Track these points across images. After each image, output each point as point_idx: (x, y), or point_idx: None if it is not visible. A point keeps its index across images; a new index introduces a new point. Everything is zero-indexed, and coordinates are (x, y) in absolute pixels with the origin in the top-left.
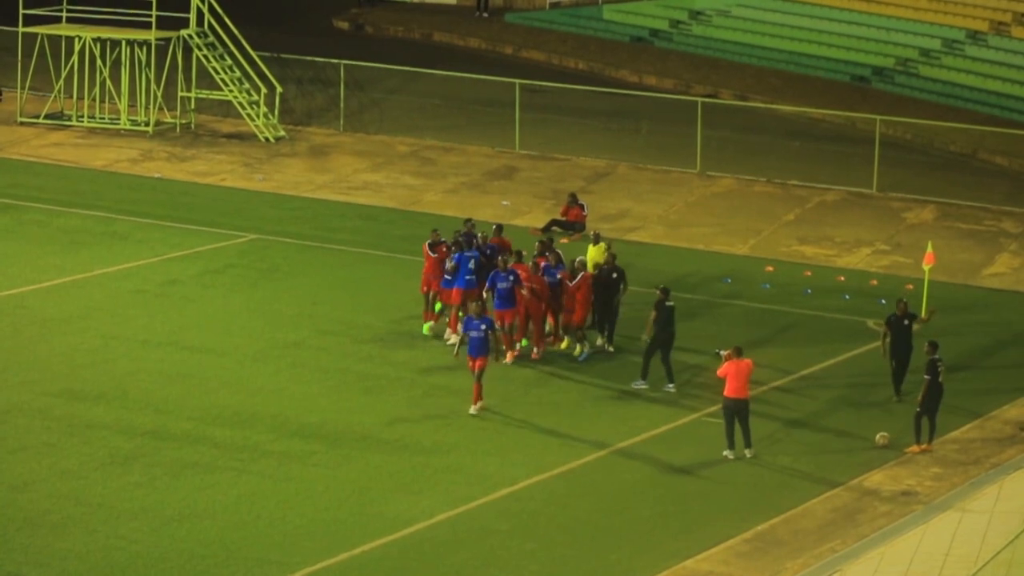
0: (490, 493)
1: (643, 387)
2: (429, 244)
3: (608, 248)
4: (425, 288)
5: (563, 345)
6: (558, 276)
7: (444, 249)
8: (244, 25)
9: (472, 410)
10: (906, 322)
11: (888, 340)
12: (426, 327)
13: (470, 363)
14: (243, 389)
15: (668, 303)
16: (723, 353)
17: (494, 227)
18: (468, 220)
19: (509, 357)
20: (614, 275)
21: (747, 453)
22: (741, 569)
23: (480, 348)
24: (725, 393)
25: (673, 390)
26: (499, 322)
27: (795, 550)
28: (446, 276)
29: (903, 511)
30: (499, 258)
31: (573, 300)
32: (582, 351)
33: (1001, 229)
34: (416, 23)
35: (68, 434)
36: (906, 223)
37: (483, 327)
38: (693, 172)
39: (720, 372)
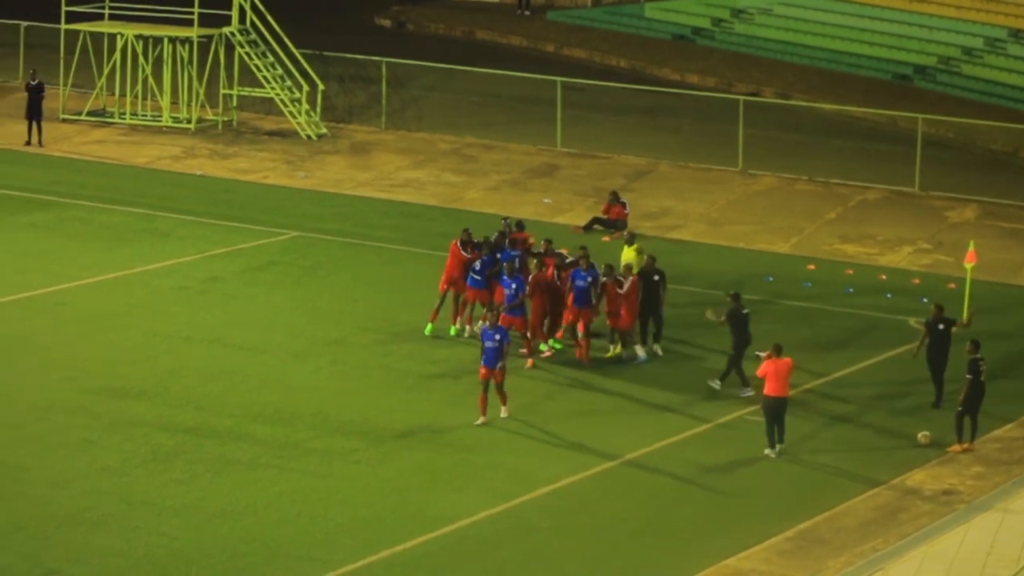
0: (531, 490)
1: (749, 393)
2: (460, 242)
3: (640, 250)
4: (445, 286)
5: (609, 354)
6: (588, 280)
7: (472, 250)
8: (286, 22)
9: (502, 412)
10: (941, 326)
11: (926, 342)
12: (429, 327)
13: (483, 372)
14: (284, 386)
15: (744, 311)
16: (762, 355)
17: (515, 223)
18: (506, 219)
19: (529, 363)
20: (655, 277)
21: (779, 450)
22: (783, 567)
23: (494, 359)
24: (764, 392)
25: (718, 387)
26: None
27: (837, 548)
28: (474, 276)
29: (945, 510)
30: (504, 263)
31: (617, 304)
32: (629, 354)
33: None
34: (458, 21)
35: (109, 431)
36: (948, 222)
37: (497, 337)
38: (735, 170)
39: (759, 372)
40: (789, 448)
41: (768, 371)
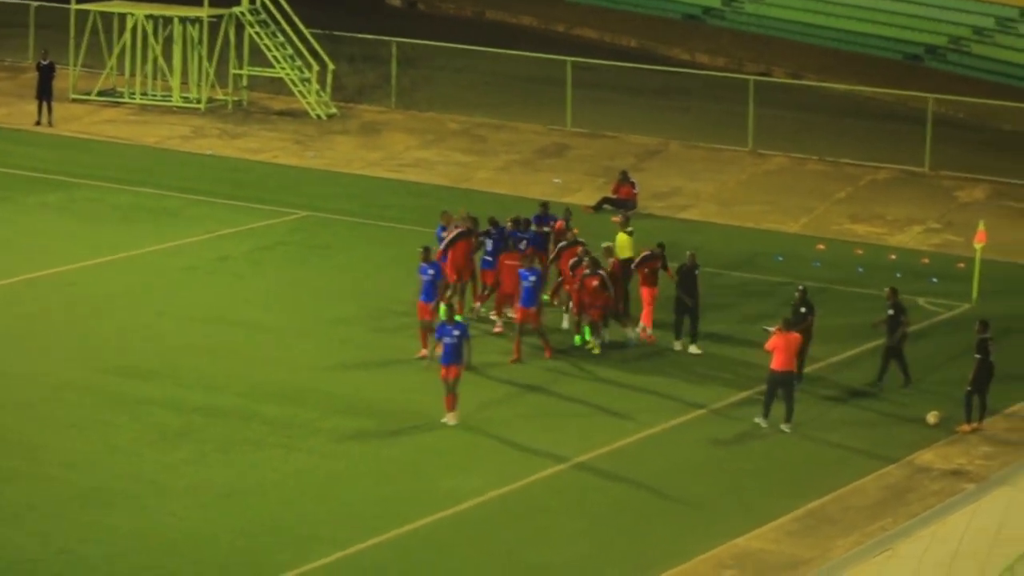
0: (540, 470)
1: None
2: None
3: (631, 233)
4: (455, 277)
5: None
6: (532, 279)
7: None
8: (296, 2)
9: (448, 420)
10: (891, 311)
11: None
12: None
13: (443, 371)
14: (293, 366)
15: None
16: (770, 329)
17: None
18: (544, 203)
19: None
20: (696, 272)
21: (785, 428)
22: (792, 547)
23: (453, 355)
24: (772, 366)
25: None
26: (421, 316)
27: (846, 528)
28: (486, 258)
29: (954, 489)
30: (422, 250)
31: (599, 295)
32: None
33: None
34: (468, 1)
35: (119, 411)
36: (958, 202)
37: (456, 333)
38: (745, 150)
39: (768, 345)
40: (798, 427)
41: (777, 345)
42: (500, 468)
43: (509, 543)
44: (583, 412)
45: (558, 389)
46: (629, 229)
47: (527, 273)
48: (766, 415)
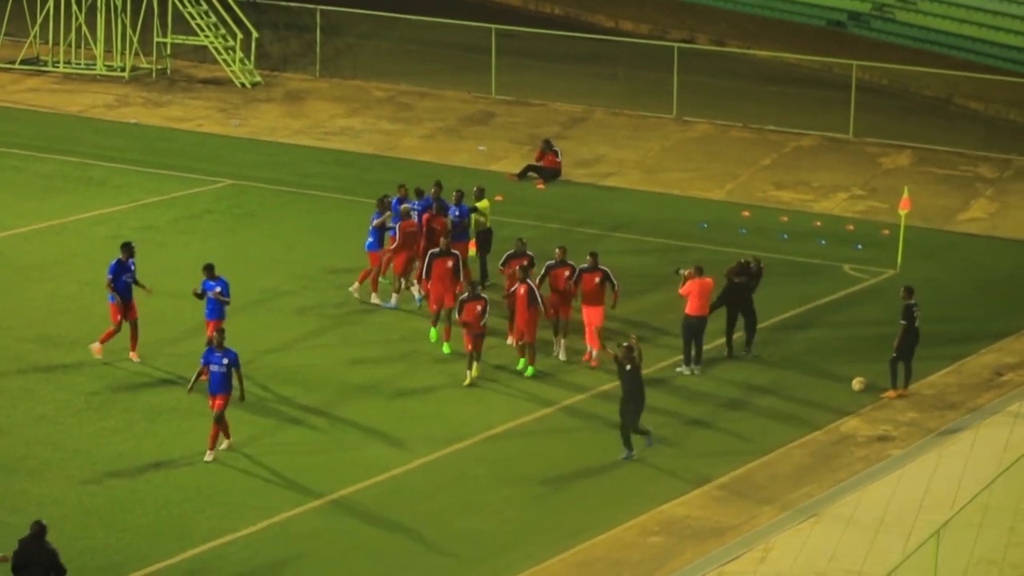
0: (467, 439)
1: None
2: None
3: (484, 211)
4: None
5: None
6: (216, 289)
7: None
8: None
9: (208, 456)
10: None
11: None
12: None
13: (209, 401)
14: None
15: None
16: (684, 272)
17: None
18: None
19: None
20: (755, 279)
21: (696, 371)
22: (718, 513)
23: (221, 385)
24: (687, 311)
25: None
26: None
27: (772, 494)
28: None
29: (879, 456)
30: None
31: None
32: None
33: (977, 174)
34: None
35: (44, 380)
36: (882, 168)
37: (225, 362)
38: (669, 117)
39: (682, 291)
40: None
41: (692, 290)
42: (427, 437)
43: (436, 511)
44: (507, 382)
45: (485, 356)
46: (485, 201)
47: (211, 284)
48: (687, 362)
